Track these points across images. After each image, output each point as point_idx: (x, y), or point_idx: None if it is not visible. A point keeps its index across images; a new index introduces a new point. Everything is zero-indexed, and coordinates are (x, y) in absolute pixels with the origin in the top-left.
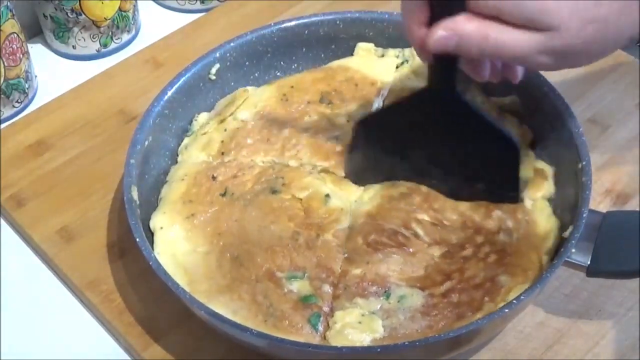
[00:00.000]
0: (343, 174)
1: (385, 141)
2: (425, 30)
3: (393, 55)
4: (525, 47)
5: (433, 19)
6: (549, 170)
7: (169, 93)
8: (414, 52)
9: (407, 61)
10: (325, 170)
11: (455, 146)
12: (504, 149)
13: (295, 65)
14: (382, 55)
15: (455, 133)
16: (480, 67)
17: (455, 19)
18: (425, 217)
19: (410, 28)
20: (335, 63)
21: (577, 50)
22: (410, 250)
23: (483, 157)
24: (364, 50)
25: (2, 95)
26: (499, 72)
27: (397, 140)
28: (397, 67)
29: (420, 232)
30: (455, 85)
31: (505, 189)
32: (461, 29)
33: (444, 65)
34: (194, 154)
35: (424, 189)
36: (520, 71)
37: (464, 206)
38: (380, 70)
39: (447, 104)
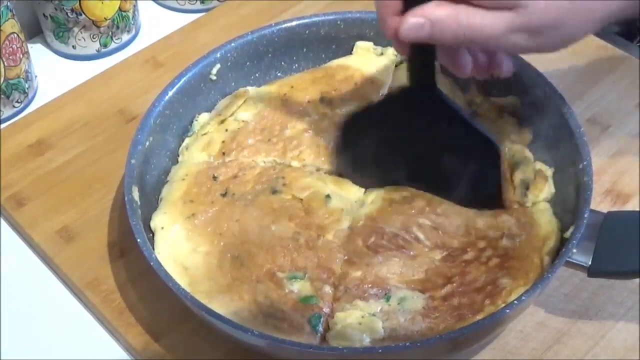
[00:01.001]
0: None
1: (371, 140)
2: (398, 20)
3: (392, 54)
4: (496, 27)
5: (406, 8)
6: (548, 171)
7: (170, 93)
8: None
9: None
10: (329, 172)
11: (437, 145)
12: (484, 148)
13: (296, 65)
14: (381, 54)
15: (436, 132)
16: (458, 58)
17: (426, 6)
18: (426, 221)
19: (383, 19)
20: (335, 62)
21: (547, 26)
22: (411, 253)
23: (464, 156)
24: (363, 49)
25: (2, 95)
26: (484, 68)
27: (382, 139)
28: (396, 66)
29: (421, 235)
30: (435, 82)
31: (487, 189)
32: (432, 15)
33: (421, 59)
34: (195, 154)
35: (427, 194)
36: (506, 65)
37: (470, 211)
38: (380, 69)
39: (427, 102)
